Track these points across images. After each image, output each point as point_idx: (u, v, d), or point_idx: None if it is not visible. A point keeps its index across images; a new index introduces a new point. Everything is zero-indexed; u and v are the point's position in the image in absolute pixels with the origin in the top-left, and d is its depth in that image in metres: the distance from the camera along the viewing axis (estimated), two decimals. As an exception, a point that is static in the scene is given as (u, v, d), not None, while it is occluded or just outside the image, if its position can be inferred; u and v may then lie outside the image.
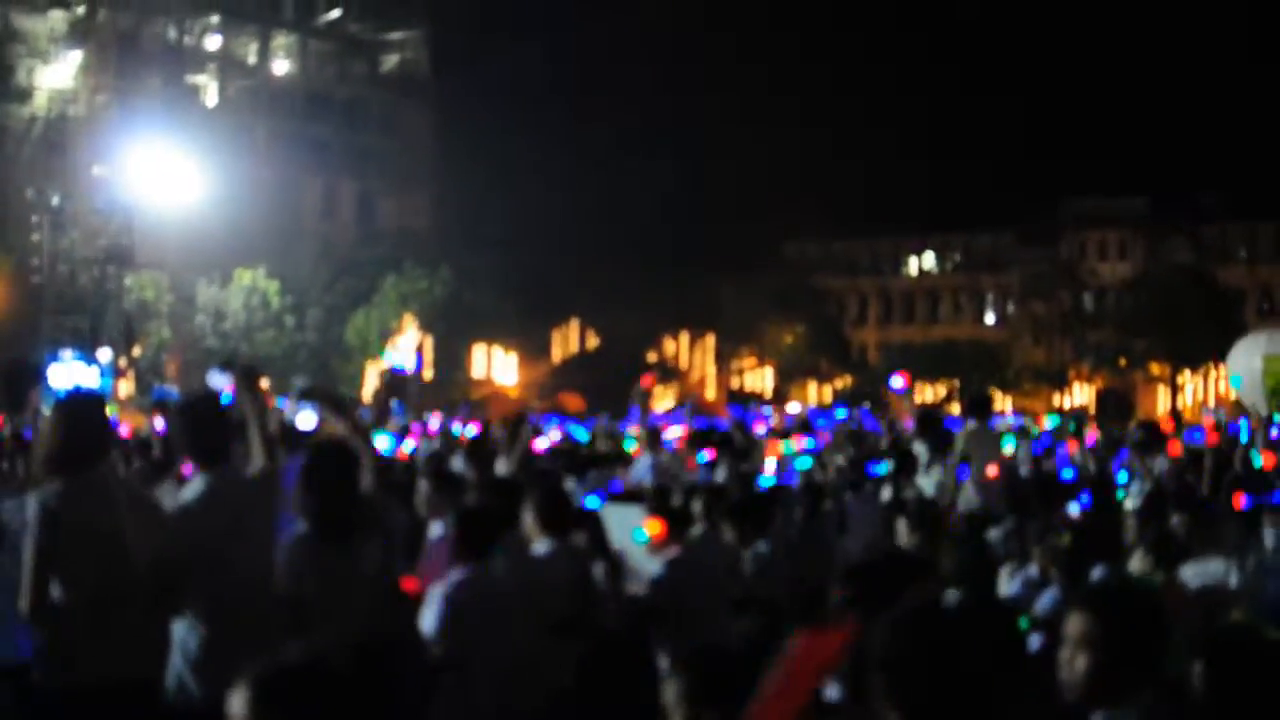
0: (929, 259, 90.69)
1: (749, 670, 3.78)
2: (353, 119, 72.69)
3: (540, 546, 7.78)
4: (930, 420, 15.18)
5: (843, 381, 74.42)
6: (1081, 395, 72.53)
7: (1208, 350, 58.85)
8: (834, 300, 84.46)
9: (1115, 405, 57.73)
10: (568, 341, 73.24)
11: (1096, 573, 7.36)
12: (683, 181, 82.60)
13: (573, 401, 51.89)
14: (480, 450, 11.64)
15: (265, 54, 70.67)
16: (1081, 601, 3.96)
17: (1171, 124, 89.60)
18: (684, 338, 75.19)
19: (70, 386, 10.37)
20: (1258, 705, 3.87)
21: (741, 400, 54.13)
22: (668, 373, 68.00)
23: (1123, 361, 72.40)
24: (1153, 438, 18.40)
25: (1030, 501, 10.99)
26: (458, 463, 11.55)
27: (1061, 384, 74.65)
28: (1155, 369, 72.33)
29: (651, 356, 69.87)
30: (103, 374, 39.48)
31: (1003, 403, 62.28)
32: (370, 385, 54.27)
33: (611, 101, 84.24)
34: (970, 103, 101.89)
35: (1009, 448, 16.77)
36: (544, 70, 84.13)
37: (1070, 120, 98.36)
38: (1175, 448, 15.73)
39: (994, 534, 10.29)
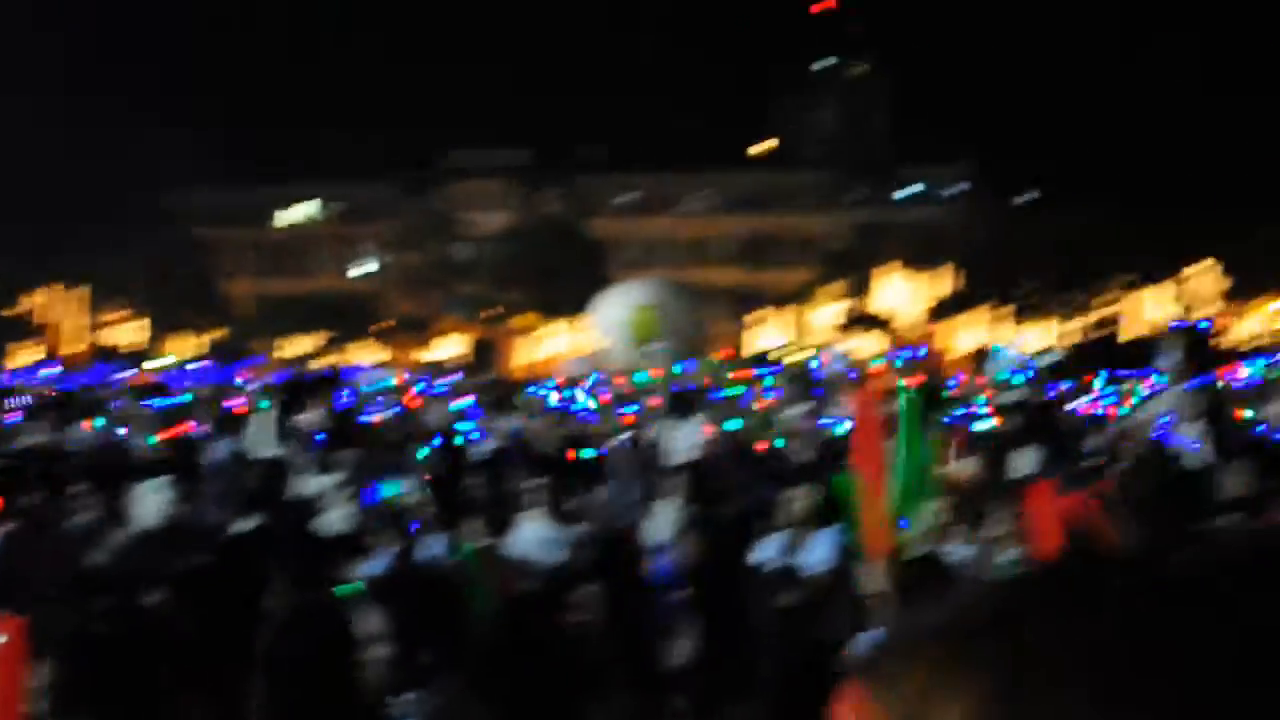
0: (307, 209, 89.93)
1: None
2: None
3: None
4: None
5: (216, 335, 72.91)
6: (452, 347, 73.72)
7: (578, 302, 61.35)
8: (210, 251, 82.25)
9: (481, 358, 59.34)
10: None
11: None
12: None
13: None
14: None
15: None
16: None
17: (556, 79, 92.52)
18: (56, 289, 71.66)
19: None
20: None
21: (110, 356, 52.13)
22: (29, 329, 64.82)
23: (489, 312, 73.98)
24: (503, 395, 19.03)
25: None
26: None
27: (429, 335, 75.47)
28: (525, 320, 74.45)
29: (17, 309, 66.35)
30: None
31: (372, 355, 62.98)
32: None
33: None
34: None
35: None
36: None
37: (454, 72, 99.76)
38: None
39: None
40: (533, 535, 9.53)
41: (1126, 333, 62.85)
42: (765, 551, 8.92)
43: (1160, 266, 66.70)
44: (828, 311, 74.17)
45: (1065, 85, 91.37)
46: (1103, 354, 25.85)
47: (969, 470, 6.44)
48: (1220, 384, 14.93)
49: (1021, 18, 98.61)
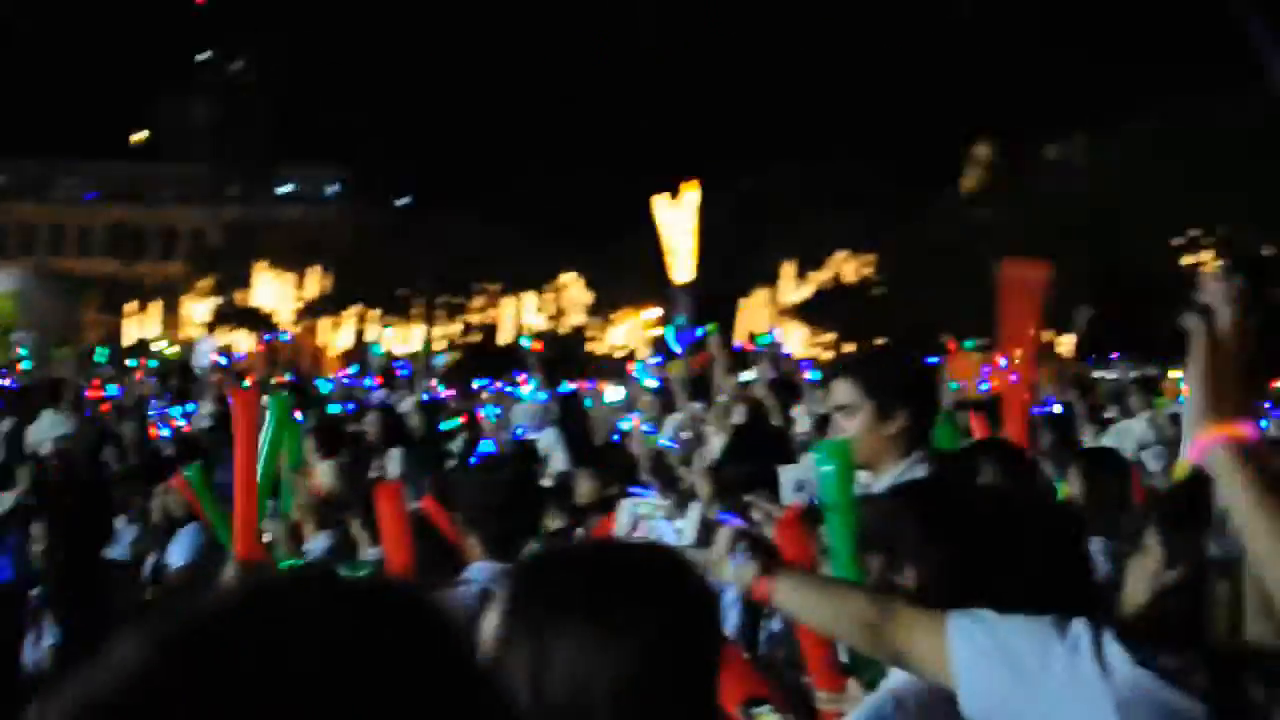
0: None
1: None
2: None
3: None
4: None
5: None
6: None
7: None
8: None
9: None
10: None
11: None
12: None
13: None
14: None
15: None
16: None
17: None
18: None
19: None
20: None
21: None
22: None
23: None
24: None
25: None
26: None
27: None
28: None
29: None
30: None
31: None
32: None
33: None
34: None
35: None
36: None
37: None
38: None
39: None
40: None
41: (500, 339, 65.02)
42: (121, 548, 8.75)
43: (532, 277, 69.30)
44: (201, 306, 72.73)
45: (442, 95, 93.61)
46: (481, 360, 26.64)
47: (332, 471, 6.55)
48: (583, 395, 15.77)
49: (401, 25, 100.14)
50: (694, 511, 3.43)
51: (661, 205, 51.44)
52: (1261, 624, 2.32)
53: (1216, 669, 2.33)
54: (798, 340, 59.36)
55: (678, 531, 3.49)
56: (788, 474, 5.07)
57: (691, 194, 51.61)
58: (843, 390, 4.32)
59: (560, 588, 2.07)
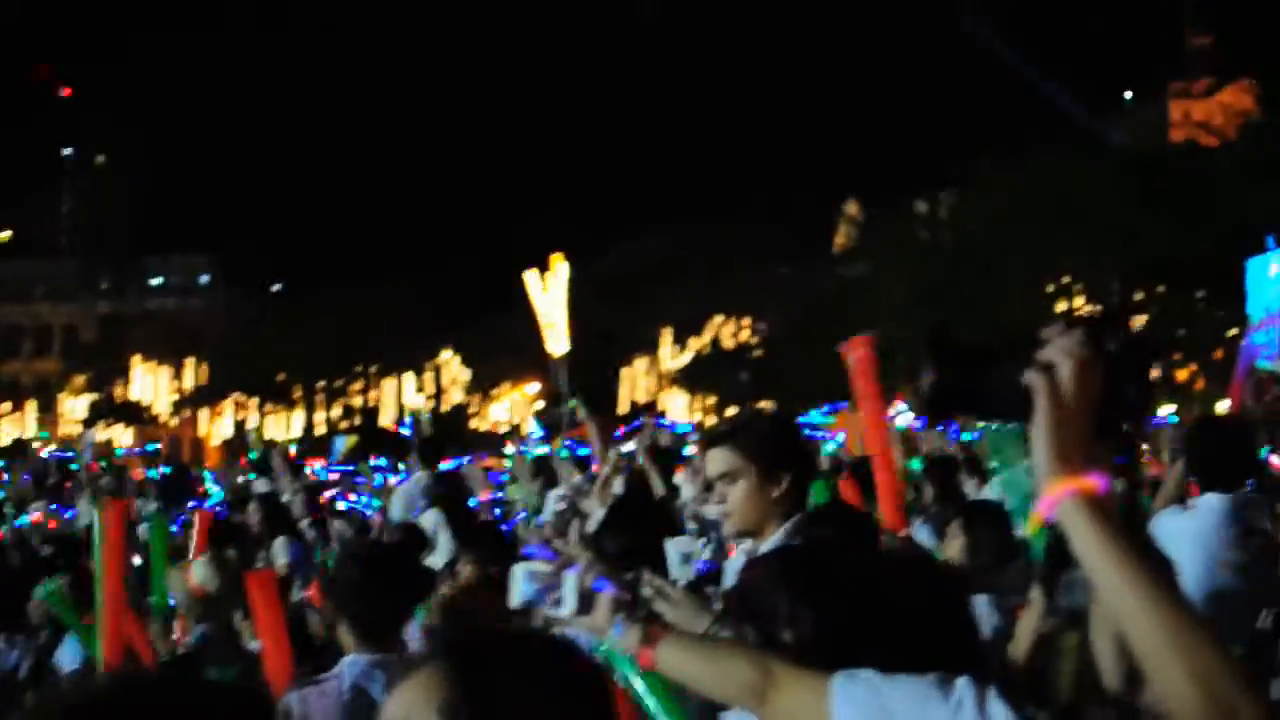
0: None
1: None
2: None
3: None
4: None
5: None
6: None
7: None
8: None
9: None
10: None
11: None
12: None
13: None
14: None
15: None
16: None
17: None
18: None
19: None
20: None
21: None
22: None
23: None
24: None
25: None
26: None
27: None
28: None
29: None
30: None
31: None
32: None
33: None
34: None
35: None
36: None
37: None
38: None
39: None
40: None
41: (382, 419, 64.50)
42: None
43: (410, 356, 68.92)
44: (78, 402, 71.52)
45: (308, 179, 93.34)
46: (372, 442, 26.35)
47: (207, 565, 6.42)
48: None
49: (264, 111, 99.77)
50: (571, 581, 3.42)
51: (533, 279, 51.52)
52: (1117, 673, 2.33)
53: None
54: (680, 406, 59.60)
55: (557, 600, 3.49)
56: (673, 546, 5.05)
57: (562, 266, 51.75)
58: (724, 458, 4.28)
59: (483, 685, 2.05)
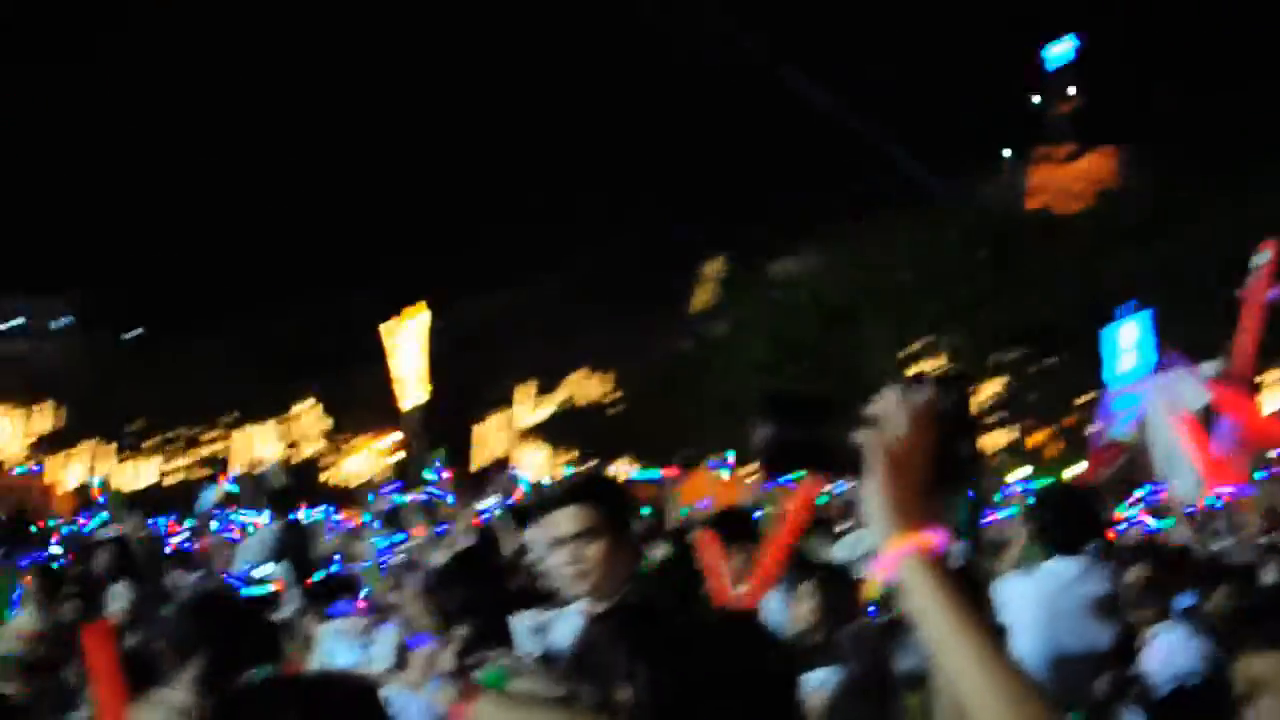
0: None
1: None
2: None
3: None
4: None
5: None
6: None
7: None
8: None
9: None
10: None
11: None
12: None
13: None
14: None
15: None
16: None
17: None
18: None
19: None
20: None
21: None
22: None
23: None
24: None
25: None
26: None
27: None
28: None
29: None
30: None
31: None
32: None
33: None
34: None
35: None
36: None
37: None
38: None
39: None
40: None
41: (234, 468, 63.52)
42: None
43: (267, 406, 68.09)
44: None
45: (166, 225, 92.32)
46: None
47: (38, 617, 6.25)
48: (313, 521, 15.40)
49: (126, 154, 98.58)
50: (388, 635, 3.39)
51: (389, 332, 51.28)
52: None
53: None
54: (537, 462, 59.48)
55: (372, 656, 3.46)
56: (524, 620, 4.97)
57: (420, 318, 51.54)
58: (577, 517, 4.22)
59: None
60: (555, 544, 4.22)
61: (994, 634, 2.03)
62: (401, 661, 3.31)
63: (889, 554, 2.03)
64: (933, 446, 2.04)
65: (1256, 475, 13.50)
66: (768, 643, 3.15)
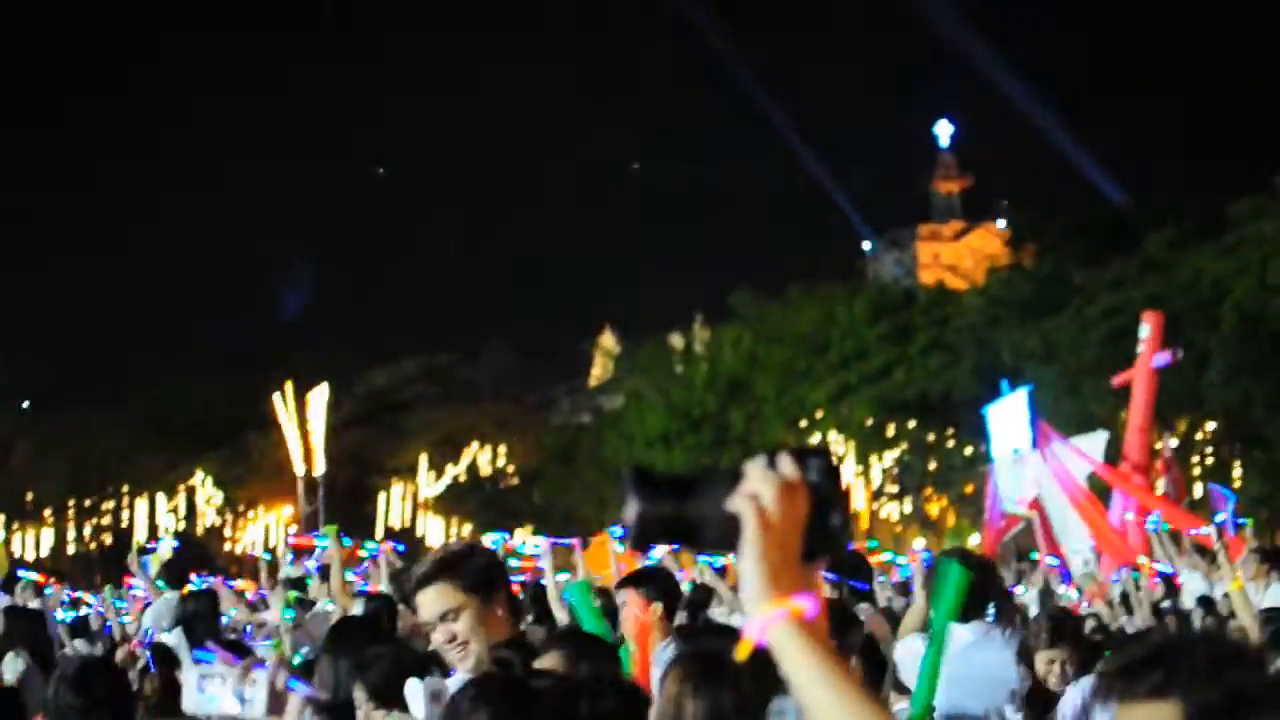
0: None
1: None
2: None
3: None
4: None
5: None
6: None
7: None
8: None
9: None
10: None
11: None
12: None
13: None
14: None
15: None
16: None
17: None
18: None
19: None
20: None
21: None
22: None
23: None
24: None
25: None
26: None
27: None
28: None
29: None
30: None
31: None
32: None
33: None
34: None
35: None
36: None
37: None
38: None
39: None
40: None
41: (133, 540, 62.16)
42: None
43: (162, 477, 66.97)
44: None
45: (56, 295, 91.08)
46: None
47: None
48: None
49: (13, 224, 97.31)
50: (263, 678, 3.46)
51: (282, 402, 50.68)
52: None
53: None
54: (437, 531, 58.96)
55: (246, 700, 3.51)
56: (421, 685, 5.04)
57: (320, 388, 51.05)
58: (443, 596, 4.26)
59: None
60: (432, 621, 4.31)
61: (866, 693, 2.08)
62: (277, 705, 3.39)
63: (761, 618, 2.07)
64: (802, 517, 2.17)
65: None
66: (634, 698, 3.23)
